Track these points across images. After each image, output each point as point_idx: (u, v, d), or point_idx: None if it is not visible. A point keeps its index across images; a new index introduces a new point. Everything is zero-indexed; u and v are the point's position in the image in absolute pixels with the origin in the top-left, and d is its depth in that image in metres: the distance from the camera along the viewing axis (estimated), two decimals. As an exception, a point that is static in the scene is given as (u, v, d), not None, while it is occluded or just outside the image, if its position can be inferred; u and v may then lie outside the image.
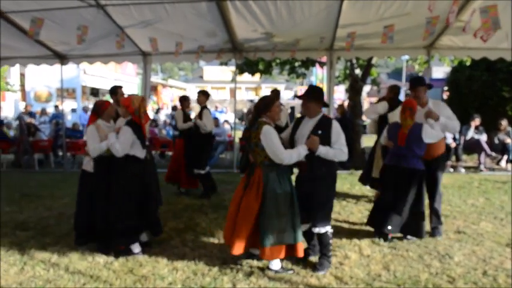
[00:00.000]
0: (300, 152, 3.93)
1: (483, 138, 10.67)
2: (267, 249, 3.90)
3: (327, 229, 4.14)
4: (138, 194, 4.54)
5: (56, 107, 16.87)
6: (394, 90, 6.72)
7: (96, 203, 4.56)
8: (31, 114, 14.36)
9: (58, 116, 14.10)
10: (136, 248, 4.50)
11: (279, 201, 3.91)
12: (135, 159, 4.53)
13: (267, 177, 3.95)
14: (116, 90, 5.97)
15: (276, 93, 7.96)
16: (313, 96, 4.13)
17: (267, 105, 4.03)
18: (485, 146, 10.50)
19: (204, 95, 7.47)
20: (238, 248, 3.96)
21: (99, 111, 4.66)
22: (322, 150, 3.96)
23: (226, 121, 15.78)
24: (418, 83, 5.04)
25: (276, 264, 4.08)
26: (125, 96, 5.19)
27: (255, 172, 4.02)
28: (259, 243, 3.93)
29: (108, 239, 4.48)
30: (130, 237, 4.48)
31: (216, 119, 12.98)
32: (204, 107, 7.36)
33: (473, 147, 10.71)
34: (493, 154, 10.88)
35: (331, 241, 4.21)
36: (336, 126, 4.08)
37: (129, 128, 4.43)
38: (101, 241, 4.57)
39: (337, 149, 4.02)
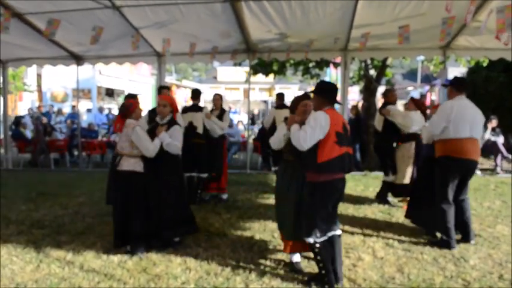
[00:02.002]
0: (278, 133, 4.10)
1: (500, 140, 10.52)
2: (285, 241, 4.21)
3: (309, 240, 3.73)
4: (183, 187, 4.98)
5: (73, 107, 17.04)
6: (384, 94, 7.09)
7: (150, 202, 4.59)
8: (43, 114, 14.50)
9: (73, 116, 14.25)
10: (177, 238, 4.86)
11: (277, 197, 4.25)
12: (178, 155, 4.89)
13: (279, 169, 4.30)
14: (163, 90, 6.74)
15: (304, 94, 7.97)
16: (316, 90, 3.97)
17: (293, 105, 4.15)
18: (502, 148, 10.35)
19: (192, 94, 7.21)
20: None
21: (127, 112, 4.64)
22: (292, 128, 3.78)
23: (240, 121, 15.79)
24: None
25: (295, 257, 4.22)
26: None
27: None
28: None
29: (151, 236, 4.61)
30: (187, 228, 4.90)
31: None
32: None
33: (489, 149, 10.56)
34: (510, 156, 10.72)
35: (319, 257, 3.73)
36: (315, 113, 3.74)
37: (179, 126, 4.83)
38: (140, 240, 4.55)
39: (301, 129, 3.68)
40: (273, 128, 7.69)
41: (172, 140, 4.65)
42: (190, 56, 8.58)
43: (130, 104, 4.76)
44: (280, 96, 8.56)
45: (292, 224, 3.95)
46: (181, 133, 4.84)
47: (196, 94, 7.13)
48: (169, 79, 35.22)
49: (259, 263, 4.29)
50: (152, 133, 4.64)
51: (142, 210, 4.54)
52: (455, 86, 4.97)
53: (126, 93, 27.07)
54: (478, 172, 9.92)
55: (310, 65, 12.42)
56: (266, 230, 5.38)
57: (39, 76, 23.31)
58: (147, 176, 4.58)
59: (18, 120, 12.07)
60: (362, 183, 8.65)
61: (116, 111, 18.07)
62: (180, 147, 4.74)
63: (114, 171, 4.65)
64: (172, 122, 4.82)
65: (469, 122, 4.79)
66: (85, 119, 18.87)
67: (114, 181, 4.67)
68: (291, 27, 7.80)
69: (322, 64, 12.36)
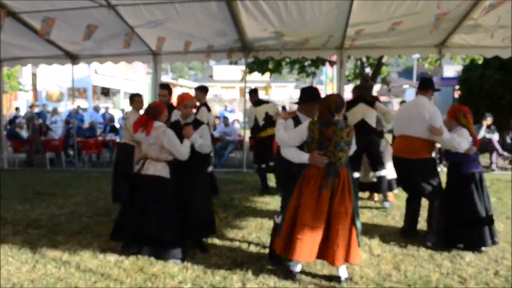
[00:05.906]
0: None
1: (495, 137, 10.57)
2: (360, 250, 3.85)
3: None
4: (208, 186, 5.08)
5: (78, 106, 16.48)
6: (356, 91, 6.99)
7: (181, 206, 4.48)
8: (37, 114, 14.35)
9: (76, 115, 14.03)
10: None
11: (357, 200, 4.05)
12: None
13: (351, 176, 3.87)
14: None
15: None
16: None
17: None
18: (497, 145, 10.40)
19: (202, 92, 6.92)
20: (341, 259, 3.71)
21: (155, 114, 4.51)
22: None
23: (236, 120, 15.80)
24: None
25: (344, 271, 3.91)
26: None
27: (340, 172, 3.75)
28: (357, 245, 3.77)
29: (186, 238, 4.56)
30: (211, 228, 4.86)
31: (226, 118, 13.00)
32: (202, 104, 6.74)
33: (485, 146, 10.60)
34: (505, 153, 10.77)
35: None
36: None
37: (206, 125, 4.78)
38: (175, 245, 4.40)
39: None
40: (256, 126, 7.74)
41: (204, 140, 4.56)
42: (183, 54, 8.58)
43: (159, 106, 4.66)
44: (254, 93, 8.06)
45: None
46: (208, 130, 4.77)
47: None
48: (165, 78, 35.20)
49: (256, 261, 4.29)
50: (176, 132, 4.43)
51: (176, 216, 4.41)
52: (418, 87, 5.08)
53: (123, 92, 26.94)
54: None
55: (306, 63, 12.42)
56: (263, 229, 5.38)
57: (34, 75, 23.19)
58: (173, 181, 4.47)
59: (12, 119, 12.02)
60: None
61: (112, 111, 18.01)
62: (210, 147, 4.73)
63: (135, 174, 4.52)
64: (197, 121, 4.69)
65: (403, 120, 4.97)
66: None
67: (135, 184, 4.50)
68: (287, 26, 7.80)
69: (318, 62, 12.36)
